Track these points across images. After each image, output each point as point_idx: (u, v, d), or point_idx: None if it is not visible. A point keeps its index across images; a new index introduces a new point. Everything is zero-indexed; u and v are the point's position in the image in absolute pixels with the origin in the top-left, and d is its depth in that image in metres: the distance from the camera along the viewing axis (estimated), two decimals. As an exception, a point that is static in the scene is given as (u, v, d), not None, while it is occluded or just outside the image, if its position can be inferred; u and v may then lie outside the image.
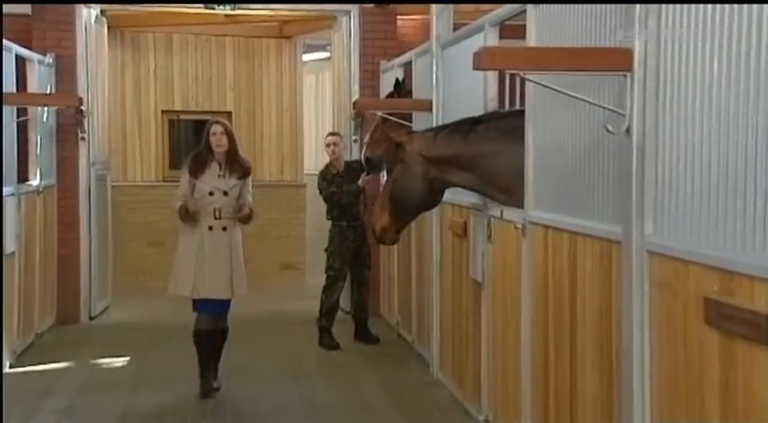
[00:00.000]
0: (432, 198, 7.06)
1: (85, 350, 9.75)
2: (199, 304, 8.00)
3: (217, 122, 8.05)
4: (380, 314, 11.22)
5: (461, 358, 7.66)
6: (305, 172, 14.81)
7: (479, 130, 6.59)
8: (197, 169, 7.95)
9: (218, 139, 7.91)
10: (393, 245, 8.13)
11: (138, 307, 12.23)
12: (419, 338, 9.36)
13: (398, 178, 6.88)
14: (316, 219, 13.84)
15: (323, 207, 10.20)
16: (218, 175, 7.93)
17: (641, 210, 4.20)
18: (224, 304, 8.04)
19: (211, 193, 7.90)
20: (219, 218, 7.90)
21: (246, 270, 8.12)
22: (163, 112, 14.37)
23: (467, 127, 6.65)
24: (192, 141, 14.39)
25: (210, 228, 7.90)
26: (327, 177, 9.92)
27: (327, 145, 10.08)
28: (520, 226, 5.89)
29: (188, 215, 7.88)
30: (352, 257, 10.00)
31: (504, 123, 6.53)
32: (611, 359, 4.58)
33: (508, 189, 6.39)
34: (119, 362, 9.29)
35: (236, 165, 7.98)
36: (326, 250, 10.05)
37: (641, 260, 4.20)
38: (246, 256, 8.20)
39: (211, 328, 8.05)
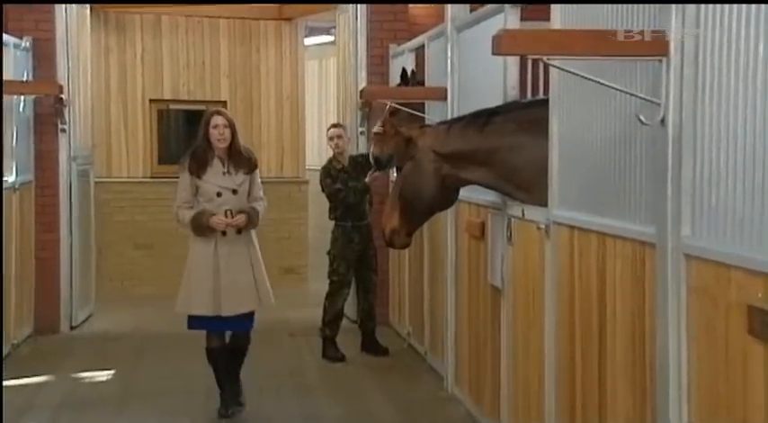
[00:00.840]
0: (445, 197, 7.05)
1: (66, 363, 9.76)
2: (206, 322, 7.75)
3: (218, 113, 7.82)
4: (390, 323, 11.23)
5: (479, 371, 7.65)
6: (307, 167, 14.82)
7: (497, 121, 6.58)
8: (198, 168, 7.71)
9: (220, 133, 7.66)
10: (404, 249, 8.11)
11: (124, 315, 12.25)
12: (432, 350, 9.35)
13: (409, 176, 6.88)
14: (318, 218, 13.85)
15: (326, 206, 10.20)
16: (223, 173, 7.72)
17: (678, 209, 4.18)
18: (246, 319, 7.85)
19: (219, 194, 7.69)
20: (232, 222, 7.65)
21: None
22: (151, 101, 14.38)
23: (483, 119, 6.65)
24: (183, 133, 14.44)
25: (224, 232, 7.67)
26: (331, 173, 9.91)
27: (330, 138, 10.09)
28: (543, 226, 5.88)
29: (204, 227, 7.67)
30: (357, 261, 9.99)
31: (525, 114, 6.53)
32: (644, 373, 4.57)
33: (528, 186, 6.39)
34: (103, 376, 9.30)
35: (240, 158, 7.77)
36: (329, 253, 10.05)
37: (677, 264, 4.18)
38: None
39: (224, 344, 7.91)
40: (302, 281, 14.46)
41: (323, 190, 10.03)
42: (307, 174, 14.70)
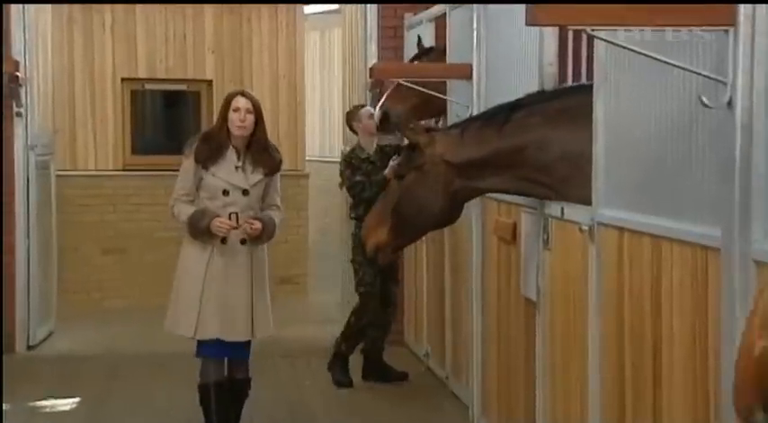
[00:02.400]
0: (451, 215, 7.12)
1: (23, 389, 9.76)
2: (203, 346, 7.61)
3: (242, 94, 7.60)
4: (405, 342, 11.23)
5: (510, 399, 7.65)
6: (307, 158, 14.80)
7: (519, 117, 6.59)
8: (207, 157, 7.48)
9: (241, 119, 7.42)
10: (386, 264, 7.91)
11: (91, 333, 12.27)
12: (455, 374, 9.36)
13: (411, 189, 6.84)
14: (320, 219, 13.85)
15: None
16: (236, 167, 7.50)
17: (746, 207, 4.17)
18: (242, 347, 7.67)
19: (226, 193, 7.48)
20: (237, 227, 7.42)
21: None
22: (123, 80, 14.41)
23: (502, 116, 6.65)
24: (160, 118, 14.45)
25: (224, 241, 7.45)
26: (353, 163, 9.81)
27: (370, 116, 9.93)
28: (586, 228, 5.88)
29: (203, 230, 7.42)
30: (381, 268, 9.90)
31: (552, 105, 6.54)
32: (707, 400, 4.56)
33: (561, 185, 6.43)
34: (66, 405, 9.30)
35: (262, 155, 7.58)
36: (353, 261, 9.97)
37: (746, 272, 4.17)
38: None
39: (223, 380, 7.68)
40: (301, 293, 14.43)
41: (342, 183, 9.95)
42: (307, 166, 14.68)
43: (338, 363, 9.93)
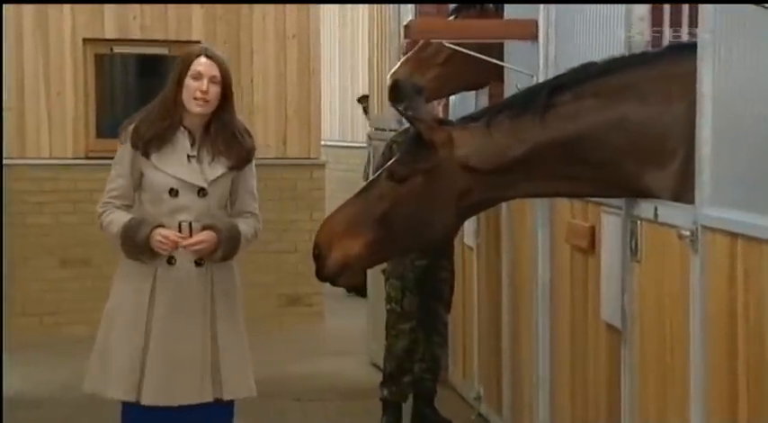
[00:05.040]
0: (453, 233, 7.28)
1: (-40, 440, 9.82)
2: (150, 416, 7.05)
3: (204, 54, 6.99)
4: (449, 381, 11.23)
5: (587, 456, 7.65)
6: (323, 143, 14.79)
7: (566, 100, 6.50)
8: (148, 140, 6.91)
9: (202, 90, 6.86)
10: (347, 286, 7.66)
11: (45, 368, 12.30)
12: (515, 422, 9.34)
13: (412, 198, 6.62)
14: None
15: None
16: (189, 156, 6.94)
17: None
18: (205, 414, 7.06)
19: (174, 192, 6.93)
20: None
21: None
22: (86, 42, 14.44)
23: (542, 100, 6.53)
24: (134, 90, 14.47)
25: (171, 261, 6.95)
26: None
27: None
28: (687, 233, 5.86)
29: (140, 246, 6.86)
30: (417, 283, 9.92)
31: (609, 81, 6.47)
32: None
33: (632, 182, 6.42)
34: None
35: (226, 139, 7.00)
36: (384, 272, 10.01)
37: None
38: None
39: None
40: (315, 316, 14.43)
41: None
42: (323, 153, 14.66)
43: (388, 414, 9.90)
